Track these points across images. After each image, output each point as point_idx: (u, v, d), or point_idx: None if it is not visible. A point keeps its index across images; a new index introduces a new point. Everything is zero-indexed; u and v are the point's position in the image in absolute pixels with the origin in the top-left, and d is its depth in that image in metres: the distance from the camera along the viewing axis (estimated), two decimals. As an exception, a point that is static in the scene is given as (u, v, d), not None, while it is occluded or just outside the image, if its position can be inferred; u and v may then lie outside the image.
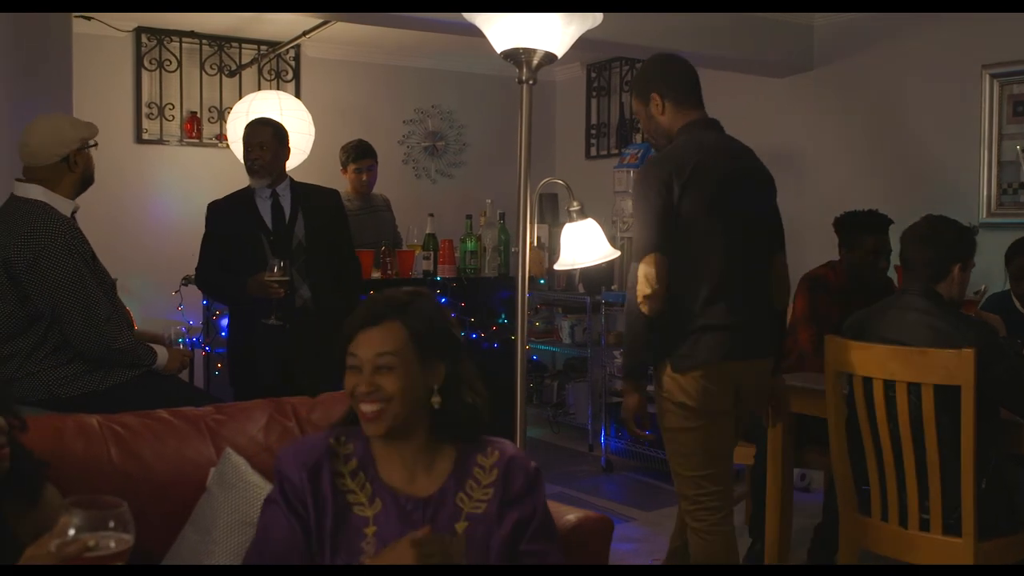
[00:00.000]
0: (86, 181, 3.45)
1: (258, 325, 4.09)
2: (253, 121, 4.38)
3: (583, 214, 2.92)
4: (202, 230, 5.69)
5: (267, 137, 4.24)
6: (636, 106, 3.36)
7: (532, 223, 2.79)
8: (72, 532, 1.50)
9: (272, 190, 4.22)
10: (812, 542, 4.19)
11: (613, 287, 6.08)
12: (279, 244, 4.16)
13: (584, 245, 2.91)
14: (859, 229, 4.30)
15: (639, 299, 2.89)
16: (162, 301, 5.62)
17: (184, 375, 4.02)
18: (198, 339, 5.51)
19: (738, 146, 3.46)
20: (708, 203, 2.98)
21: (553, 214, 6.59)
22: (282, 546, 1.92)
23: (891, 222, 4.34)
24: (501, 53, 2.77)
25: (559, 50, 2.76)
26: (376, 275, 5.37)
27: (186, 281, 5.46)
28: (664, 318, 2.97)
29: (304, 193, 4.30)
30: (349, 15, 4.61)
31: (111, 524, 1.51)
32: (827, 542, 4.06)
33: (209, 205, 4.35)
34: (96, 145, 3.48)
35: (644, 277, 2.88)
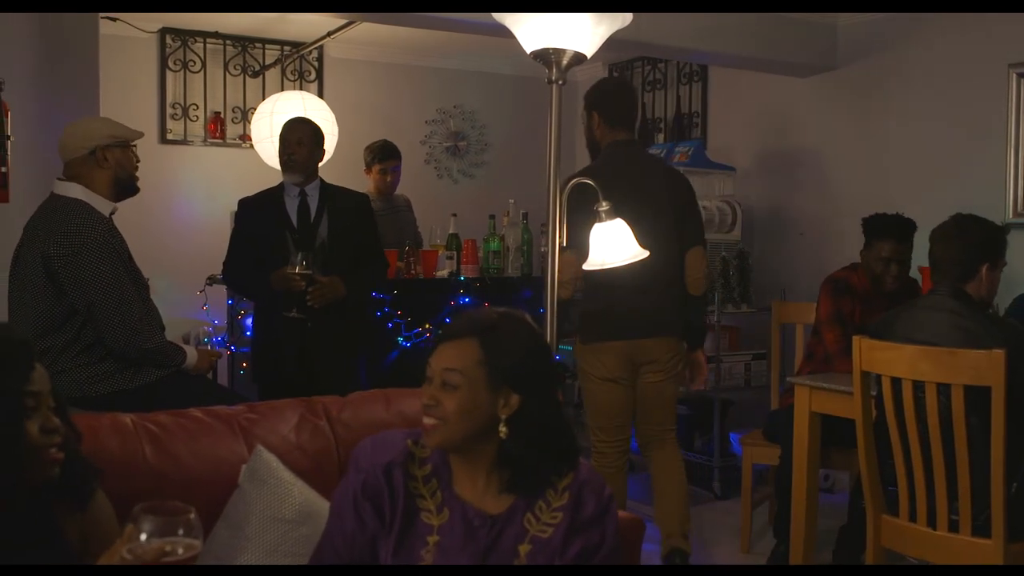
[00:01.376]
0: (122, 182, 3.46)
1: (280, 320, 4.12)
2: (293, 119, 4.43)
3: (612, 214, 2.92)
4: (226, 229, 5.74)
5: (306, 135, 4.29)
6: (585, 116, 4.15)
7: (561, 223, 2.79)
8: (143, 537, 1.52)
9: (301, 189, 4.26)
10: (837, 543, 4.18)
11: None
12: (302, 242, 4.19)
13: (613, 245, 2.91)
14: (876, 233, 4.31)
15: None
16: (187, 301, 5.65)
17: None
18: (222, 338, 5.54)
19: (649, 159, 4.28)
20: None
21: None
22: (352, 539, 1.91)
23: (914, 228, 4.32)
24: (531, 53, 2.78)
25: (589, 50, 2.76)
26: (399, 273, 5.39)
27: (211, 281, 5.49)
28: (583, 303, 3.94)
29: (332, 194, 4.34)
30: (376, 15, 4.62)
31: (180, 531, 1.53)
32: (852, 543, 4.06)
33: (240, 202, 4.40)
34: (135, 146, 3.50)
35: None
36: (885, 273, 4.28)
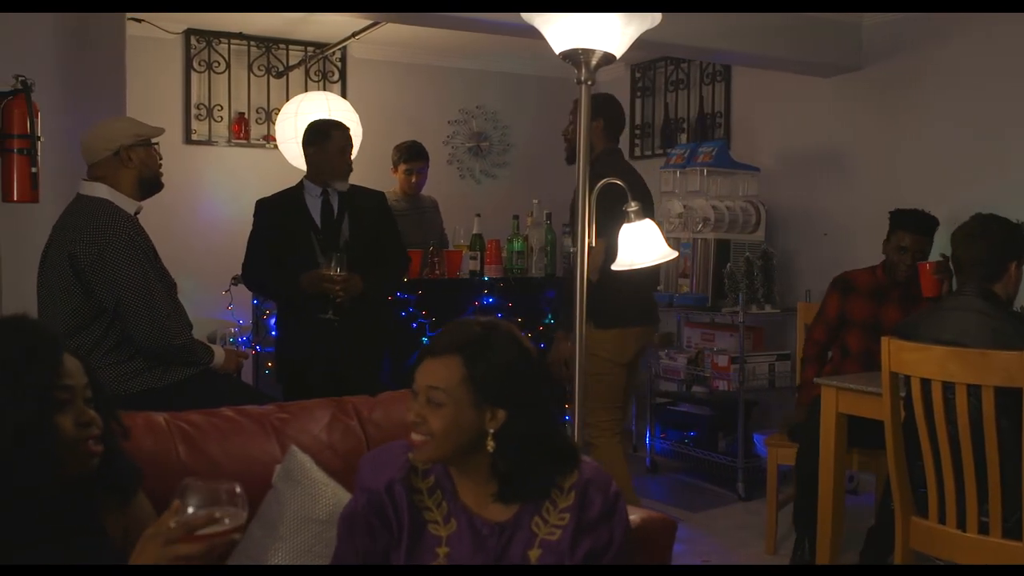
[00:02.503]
0: (146, 180, 3.48)
1: (309, 321, 4.13)
2: (344, 126, 4.48)
3: (641, 215, 2.92)
4: (248, 230, 5.76)
5: (352, 140, 4.44)
6: (572, 112, 4.40)
7: (592, 223, 2.79)
8: (190, 510, 1.55)
9: (323, 189, 4.28)
10: (865, 544, 4.17)
11: (659, 287, 6.06)
12: (328, 242, 4.21)
13: (642, 246, 2.91)
14: (897, 223, 4.50)
15: None
16: (212, 301, 5.67)
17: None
18: (247, 338, 5.56)
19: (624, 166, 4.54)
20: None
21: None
22: (365, 556, 1.92)
23: (935, 224, 4.47)
24: (560, 54, 2.77)
25: (618, 51, 2.75)
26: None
27: (235, 281, 5.51)
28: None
29: (351, 194, 4.37)
30: (402, 16, 4.62)
31: (225, 503, 1.57)
32: (880, 544, 4.05)
33: (257, 202, 4.42)
34: (157, 144, 3.52)
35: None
36: (900, 262, 4.47)
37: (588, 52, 2.73)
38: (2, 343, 1.73)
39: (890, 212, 4.58)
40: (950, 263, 4.08)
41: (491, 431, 1.87)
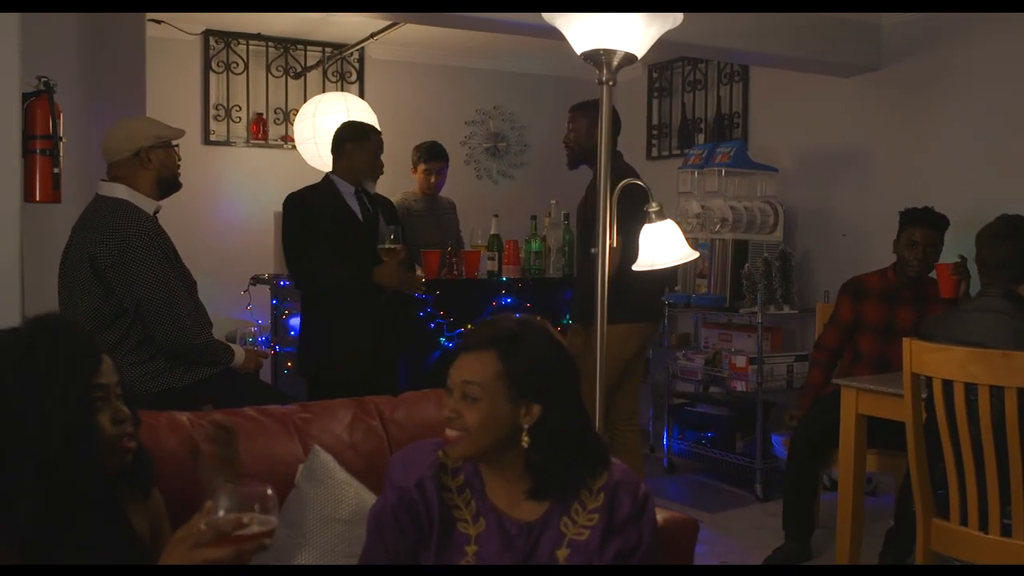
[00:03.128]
0: (165, 181, 3.50)
1: (365, 316, 4.25)
2: (378, 129, 4.55)
3: (662, 215, 2.92)
4: (269, 229, 5.78)
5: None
6: (580, 123, 4.52)
7: (613, 223, 2.79)
8: (221, 513, 1.55)
9: (356, 188, 4.39)
10: (884, 545, 4.16)
11: (676, 288, 6.06)
12: (371, 234, 4.28)
13: (663, 246, 2.90)
14: (908, 220, 4.51)
15: None
16: (230, 301, 5.69)
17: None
18: (266, 338, 5.58)
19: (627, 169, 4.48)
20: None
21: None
22: (395, 553, 1.92)
23: (946, 223, 4.49)
24: (581, 54, 2.77)
25: (639, 51, 2.75)
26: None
27: (255, 281, 5.53)
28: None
29: (371, 195, 4.44)
30: (422, 16, 4.62)
31: (256, 507, 1.56)
32: (899, 545, 4.05)
33: (292, 197, 4.40)
34: (177, 146, 3.54)
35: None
36: (911, 257, 4.47)
37: (610, 52, 2.73)
38: (45, 345, 1.73)
39: (900, 212, 4.59)
40: (968, 264, 4.10)
41: (526, 427, 1.88)
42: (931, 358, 3.13)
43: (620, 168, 4.31)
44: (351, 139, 4.39)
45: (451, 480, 1.96)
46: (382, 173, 4.46)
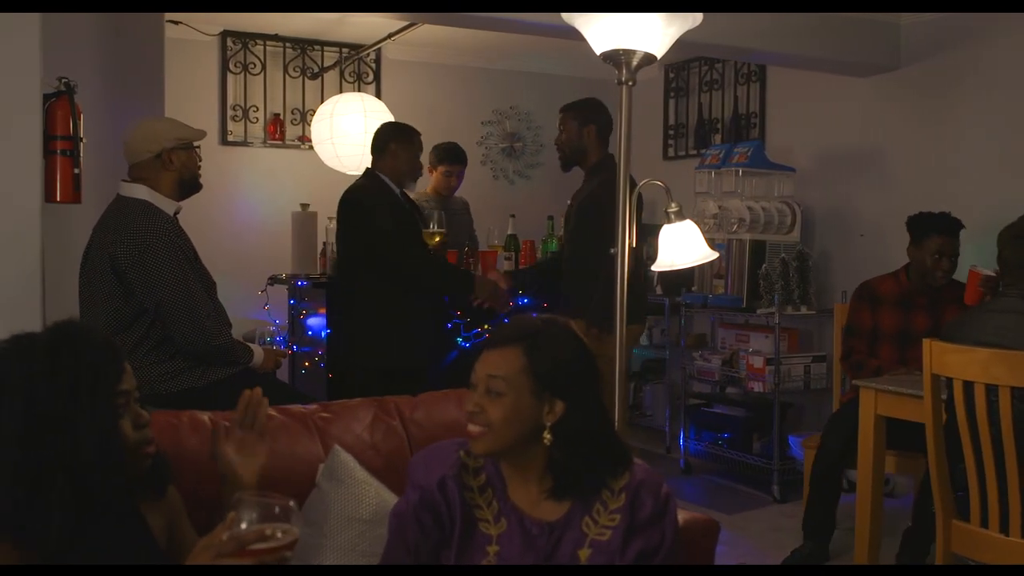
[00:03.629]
0: (186, 182, 3.52)
1: (438, 319, 4.48)
2: (418, 131, 4.66)
3: (681, 215, 2.91)
4: (286, 230, 5.79)
5: None
6: (570, 124, 4.57)
7: (633, 224, 2.79)
8: (244, 525, 1.56)
9: (400, 188, 4.50)
10: (901, 546, 4.15)
11: (693, 288, 6.06)
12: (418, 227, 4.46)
13: (682, 246, 2.90)
14: (927, 228, 4.42)
15: None
16: (247, 301, 5.70)
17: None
18: (283, 338, 5.58)
19: None
20: None
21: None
22: (416, 552, 1.93)
23: (961, 226, 4.44)
24: (601, 54, 2.77)
25: (659, 51, 2.75)
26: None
27: (272, 281, 5.54)
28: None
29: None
30: (440, 16, 4.62)
31: (278, 518, 1.57)
32: (916, 546, 4.04)
33: (362, 195, 4.48)
34: (198, 147, 3.55)
35: None
36: (936, 267, 4.41)
37: (629, 53, 2.74)
38: (70, 353, 1.72)
39: (911, 218, 4.51)
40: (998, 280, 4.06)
41: (548, 424, 1.90)
42: (952, 359, 3.12)
43: (613, 170, 4.40)
44: (395, 139, 4.47)
45: (473, 480, 1.96)
46: (421, 174, 4.57)
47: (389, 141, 4.45)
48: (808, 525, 4.36)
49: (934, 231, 4.40)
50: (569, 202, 4.80)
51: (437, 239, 4.53)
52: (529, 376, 1.89)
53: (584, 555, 1.91)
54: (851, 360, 4.57)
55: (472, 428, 1.91)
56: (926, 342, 3.20)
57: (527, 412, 1.89)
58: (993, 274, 4.08)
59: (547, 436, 1.90)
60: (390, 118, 6.14)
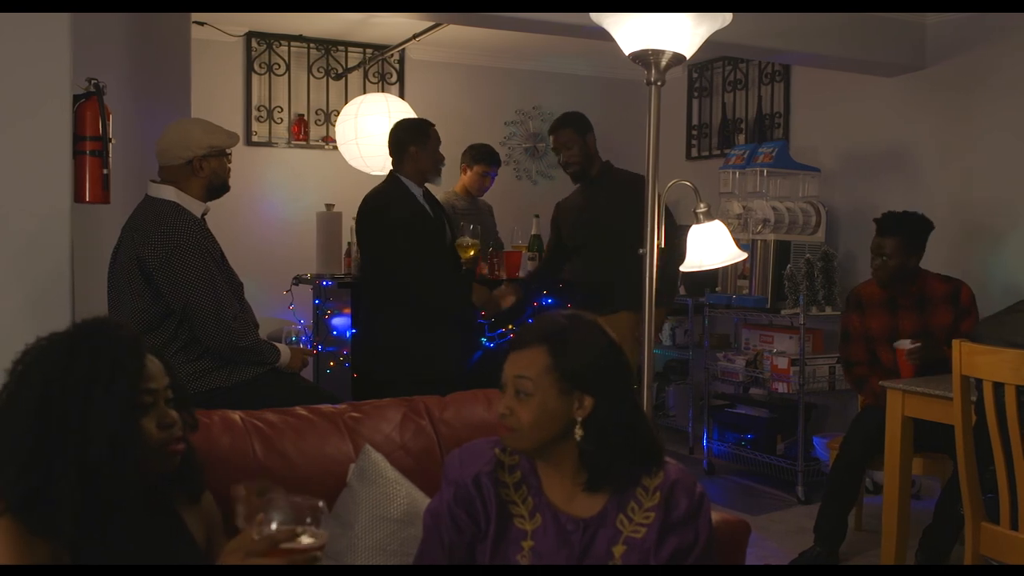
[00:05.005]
0: (214, 187, 3.53)
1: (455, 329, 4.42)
2: (431, 122, 4.61)
3: (710, 216, 2.91)
4: (311, 230, 5.81)
5: None
6: (572, 136, 4.76)
7: (661, 225, 2.78)
8: (273, 526, 1.56)
9: (423, 189, 4.46)
10: (920, 544, 4.13)
11: (717, 288, 6.04)
12: (441, 232, 4.41)
13: (711, 247, 2.90)
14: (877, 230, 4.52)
15: None
16: (272, 301, 5.72)
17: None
18: (307, 338, 5.60)
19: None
20: None
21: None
22: (450, 548, 1.94)
23: (910, 226, 4.45)
24: (629, 55, 2.77)
25: (688, 51, 2.74)
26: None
27: (297, 281, 5.56)
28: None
29: (430, 193, 4.53)
30: (468, 16, 4.61)
31: (308, 520, 1.57)
32: (936, 546, 4.03)
33: (381, 200, 4.44)
34: (230, 155, 3.57)
35: None
36: (873, 265, 4.51)
37: (658, 53, 2.73)
38: (89, 351, 1.74)
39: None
40: (921, 349, 4.09)
41: (579, 419, 1.91)
42: (982, 360, 3.10)
43: (614, 175, 4.75)
44: (412, 141, 4.43)
45: (508, 476, 1.98)
46: (444, 164, 4.54)
47: (407, 144, 4.43)
48: (821, 528, 4.34)
49: (877, 231, 4.49)
50: (559, 209, 5.02)
51: (472, 252, 4.46)
52: (555, 374, 1.90)
53: (619, 552, 1.92)
54: (853, 375, 4.63)
55: (504, 430, 1.93)
56: (955, 343, 3.18)
57: (556, 410, 1.90)
58: (912, 346, 4.18)
59: (578, 431, 1.91)
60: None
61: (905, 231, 4.42)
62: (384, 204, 4.40)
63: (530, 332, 1.97)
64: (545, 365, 1.90)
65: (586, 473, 1.94)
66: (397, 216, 4.34)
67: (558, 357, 1.91)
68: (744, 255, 3.02)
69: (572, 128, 4.77)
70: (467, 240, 4.35)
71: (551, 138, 4.90)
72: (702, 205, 2.91)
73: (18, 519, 1.65)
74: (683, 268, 3.00)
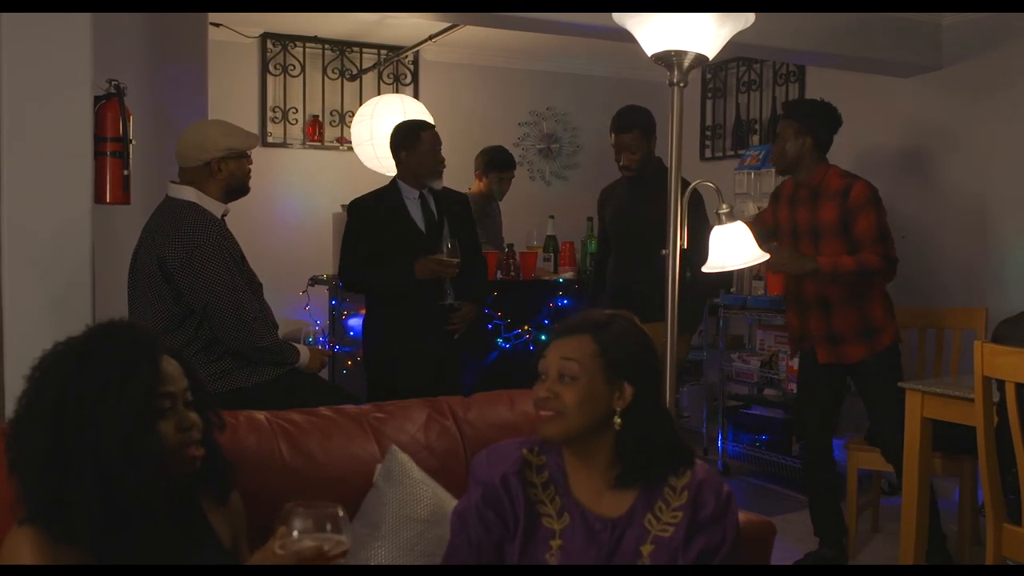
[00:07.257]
0: (233, 188, 3.54)
1: (419, 313, 4.25)
2: (433, 127, 4.56)
3: (732, 216, 2.91)
4: (327, 230, 5.81)
5: (439, 137, 4.48)
6: (638, 140, 4.50)
7: (683, 225, 2.78)
8: (295, 535, 1.56)
9: (421, 192, 4.35)
10: (929, 543, 4.11)
11: (732, 290, 6.03)
12: (432, 245, 4.26)
13: (733, 248, 2.89)
14: None
15: None
16: (289, 301, 5.73)
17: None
18: (323, 338, 5.61)
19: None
20: None
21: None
22: (478, 547, 1.95)
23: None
24: (652, 56, 2.76)
25: (711, 52, 2.75)
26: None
27: (312, 281, 5.57)
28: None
29: (442, 196, 4.42)
30: (485, 16, 4.60)
31: (328, 527, 1.57)
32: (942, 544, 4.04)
33: (352, 205, 4.44)
34: (249, 157, 3.57)
35: None
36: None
37: (681, 54, 2.73)
38: (103, 356, 1.73)
39: None
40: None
41: (619, 409, 1.95)
42: (1004, 361, 3.09)
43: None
44: (402, 146, 4.39)
45: (536, 477, 1.99)
46: (444, 167, 4.42)
47: (398, 151, 4.40)
48: (817, 526, 4.34)
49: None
50: (605, 203, 4.85)
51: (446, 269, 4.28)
52: (601, 361, 1.95)
53: (647, 551, 1.94)
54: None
55: (544, 413, 1.95)
56: (977, 344, 3.17)
57: (599, 397, 1.94)
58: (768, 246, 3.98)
59: (617, 420, 1.95)
60: (429, 119, 6.16)
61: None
62: (354, 203, 4.45)
63: (575, 322, 2.02)
64: (592, 351, 1.95)
65: (619, 467, 1.97)
66: (356, 213, 4.40)
67: (604, 345, 1.96)
68: (767, 256, 3.02)
69: (640, 131, 4.53)
70: (445, 254, 4.25)
71: (612, 135, 4.61)
72: (724, 206, 2.90)
73: (41, 527, 1.65)
74: (705, 269, 2.99)
